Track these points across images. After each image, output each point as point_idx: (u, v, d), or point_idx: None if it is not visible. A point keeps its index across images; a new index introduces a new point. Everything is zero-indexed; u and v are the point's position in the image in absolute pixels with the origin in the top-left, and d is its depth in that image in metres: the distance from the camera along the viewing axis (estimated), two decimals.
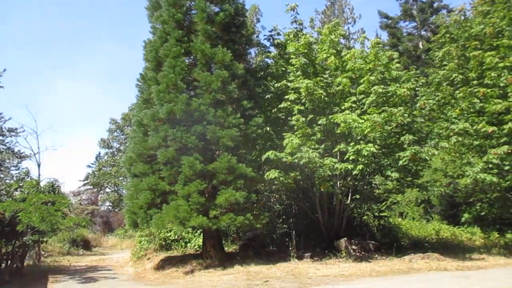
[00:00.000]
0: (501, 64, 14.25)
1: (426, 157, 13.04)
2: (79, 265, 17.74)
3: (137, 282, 12.00)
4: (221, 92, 13.25)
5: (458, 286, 8.58)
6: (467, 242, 18.20)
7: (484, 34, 15.59)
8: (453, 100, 15.23)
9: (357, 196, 16.52)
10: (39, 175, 20.22)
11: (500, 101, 13.83)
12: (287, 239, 15.88)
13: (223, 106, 13.21)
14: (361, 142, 13.48)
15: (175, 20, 13.53)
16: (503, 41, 14.93)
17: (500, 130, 13.73)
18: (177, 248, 17.41)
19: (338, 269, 11.49)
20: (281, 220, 18.42)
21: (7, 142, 23.86)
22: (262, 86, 14.97)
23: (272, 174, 12.84)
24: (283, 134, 13.61)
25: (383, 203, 18.94)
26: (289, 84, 14.70)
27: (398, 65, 15.41)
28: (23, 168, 18.75)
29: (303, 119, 13.57)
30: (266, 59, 17.52)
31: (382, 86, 13.83)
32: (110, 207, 41.29)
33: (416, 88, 15.54)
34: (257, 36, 17.02)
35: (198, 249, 16.82)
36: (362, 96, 14.47)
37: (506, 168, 13.68)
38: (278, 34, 16.97)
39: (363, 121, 13.22)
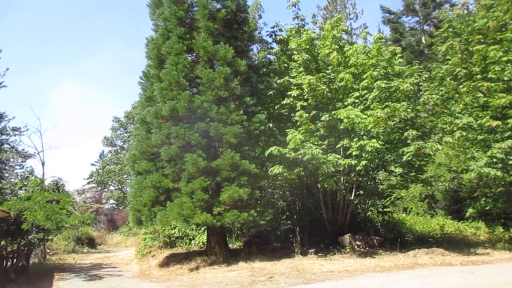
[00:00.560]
0: (504, 58, 14.14)
1: (430, 152, 12.99)
2: (84, 262, 17.81)
3: (142, 279, 12.02)
4: (224, 89, 13.24)
5: (463, 281, 8.55)
6: (471, 237, 18.15)
7: (488, 28, 15.48)
8: (456, 95, 15.14)
9: (361, 192, 16.51)
10: (43, 173, 20.36)
11: (504, 95, 13.74)
12: (291, 236, 15.89)
13: (226, 103, 13.21)
14: (364, 137, 13.46)
15: (177, 17, 13.52)
16: (506, 35, 14.82)
17: (504, 124, 13.65)
18: (181, 245, 17.46)
19: (343, 264, 11.48)
20: (284, 217, 18.46)
21: (11, 141, 23.96)
22: (265, 82, 14.95)
23: (276, 169, 12.84)
24: (286, 130, 13.58)
25: (387, 199, 18.91)
26: (291, 80, 14.69)
27: (401, 60, 15.33)
28: (27, 167, 18.88)
29: (306, 115, 13.54)
30: (268, 56, 17.50)
31: (385, 81, 13.77)
32: (114, 205, 41.43)
33: (420, 83, 15.47)
34: (259, 33, 17.02)
35: (202, 246, 16.87)
36: (365, 91, 14.41)
37: (511, 162, 13.60)
38: (280, 30, 17.01)
39: (366, 116, 13.18)
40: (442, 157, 18.81)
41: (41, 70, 73.28)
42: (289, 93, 14.21)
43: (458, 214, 20.90)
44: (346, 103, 14.22)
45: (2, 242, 13.85)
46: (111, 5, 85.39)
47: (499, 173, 12.95)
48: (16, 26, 72.26)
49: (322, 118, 13.83)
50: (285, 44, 16.48)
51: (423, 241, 16.30)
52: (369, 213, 18.27)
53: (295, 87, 14.30)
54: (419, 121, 14.67)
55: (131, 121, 37.42)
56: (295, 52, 15.22)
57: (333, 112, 13.82)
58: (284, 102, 14.35)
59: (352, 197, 15.42)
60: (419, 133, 13.49)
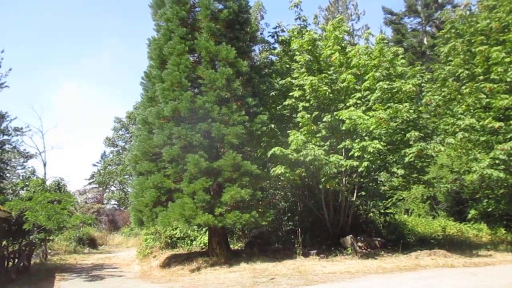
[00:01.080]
0: (507, 59, 14.13)
1: (432, 154, 12.96)
2: (86, 263, 17.80)
3: (144, 280, 12.01)
4: (226, 90, 13.22)
5: (466, 283, 8.51)
6: (473, 239, 18.10)
7: (490, 29, 15.47)
8: (459, 96, 15.12)
9: (363, 193, 16.47)
10: (45, 173, 20.34)
11: (507, 96, 13.73)
12: (292, 237, 15.89)
13: (228, 104, 13.19)
14: (366, 138, 13.42)
15: (179, 17, 13.52)
16: (509, 35, 14.82)
17: (507, 125, 13.64)
18: (182, 246, 17.45)
19: (344, 266, 11.45)
20: (286, 218, 18.42)
21: (13, 142, 23.99)
22: (267, 83, 14.94)
23: (279, 169, 12.81)
24: (288, 131, 13.55)
25: (389, 200, 18.88)
26: (293, 81, 14.67)
27: (403, 61, 15.30)
28: (29, 167, 18.85)
29: (308, 115, 13.52)
30: (270, 56, 17.49)
31: (388, 82, 13.74)
32: (115, 206, 41.48)
33: (422, 84, 15.43)
34: (261, 33, 16.99)
35: (203, 246, 16.85)
36: (367, 92, 14.39)
37: None
38: (282, 31, 17.01)
39: (368, 117, 13.15)
40: (444, 159, 18.77)
41: (42, 70, 73.45)
42: (291, 93, 14.18)
43: (460, 215, 20.84)
44: (348, 104, 14.18)
45: (4, 242, 13.86)
46: (112, 4, 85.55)
47: (501, 175, 12.91)
48: (17, 26, 72.43)
49: (324, 119, 13.81)
50: (287, 44, 16.46)
51: (425, 242, 16.26)
52: (371, 214, 18.24)
53: (297, 88, 14.28)
54: (421, 122, 14.63)
55: (132, 121, 37.46)
56: (297, 53, 15.20)
57: (335, 113, 13.79)
58: (286, 103, 14.33)
59: (354, 198, 15.38)
60: (422, 134, 13.45)
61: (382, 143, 12.95)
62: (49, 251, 19.85)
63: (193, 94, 13.03)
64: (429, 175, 16.25)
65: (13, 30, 70.02)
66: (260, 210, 13.16)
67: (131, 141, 36.95)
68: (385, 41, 15.45)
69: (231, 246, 16.14)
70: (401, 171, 13.31)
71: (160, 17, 14.16)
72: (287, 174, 13.05)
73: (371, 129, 13.11)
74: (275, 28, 17.02)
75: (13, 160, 26.84)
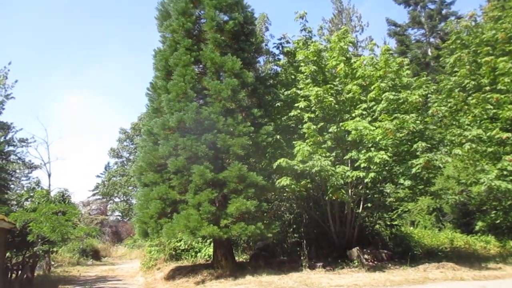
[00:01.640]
0: None
1: (440, 165, 12.83)
2: (89, 275, 17.67)
3: None
4: (231, 101, 13.19)
5: None
6: (481, 251, 17.83)
7: (496, 40, 15.46)
8: (465, 107, 15.05)
9: (369, 205, 16.30)
10: (49, 185, 20.34)
11: None
12: (298, 249, 15.68)
13: (233, 115, 13.16)
14: (372, 149, 13.32)
15: (184, 29, 13.57)
16: None
17: None
18: (187, 258, 17.30)
19: (352, 279, 11.28)
20: (291, 229, 18.26)
21: (18, 153, 24.01)
22: (272, 94, 14.92)
23: (284, 181, 12.73)
24: (293, 142, 13.48)
25: (394, 212, 18.69)
26: (299, 91, 14.64)
27: (408, 71, 15.27)
28: (33, 178, 18.81)
29: (314, 126, 13.46)
30: (275, 67, 17.50)
31: (393, 93, 13.68)
32: (119, 217, 41.35)
33: (428, 95, 15.36)
34: (266, 45, 17.07)
35: (208, 258, 16.69)
36: (373, 103, 14.34)
37: None
38: (287, 42, 17.01)
39: (374, 128, 13.07)
40: (450, 170, 18.62)
41: (47, 81, 73.89)
42: (296, 104, 14.14)
43: (466, 227, 20.61)
44: (353, 115, 14.13)
45: (7, 254, 13.76)
46: (117, 16, 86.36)
47: (510, 186, 12.76)
48: (22, 37, 73.11)
49: (330, 130, 13.74)
50: (292, 56, 16.47)
51: (432, 255, 16.03)
52: (377, 226, 18.04)
53: (302, 99, 14.24)
54: (427, 133, 14.54)
55: (137, 132, 37.52)
56: (302, 64, 15.20)
57: (341, 124, 13.72)
58: (291, 113, 14.27)
59: (360, 210, 15.23)
60: (429, 145, 13.35)
61: (388, 154, 12.85)
62: (53, 262, 19.72)
63: (199, 105, 13.02)
64: (436, 187, 16.11)
65: (18, 41, 70.72)
66: (265, 221, 13.04)
67: (135, 152, 36.96)
68: (390, 51, 15.42)
69: (236, 258, 15.97)
70: (407, 182, 13.17)
71: (166, 28, 14.23)
72: (292, 186, 12.96)
73: (377, 139, 13.02)
74: (280, 39, 17.07)
75: (17, 171, 26.88)
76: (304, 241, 15.00)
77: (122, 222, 39.40)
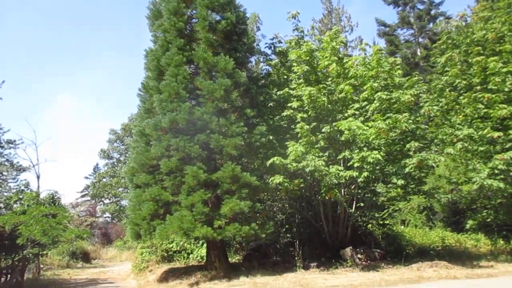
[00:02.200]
0: (504, 69, 14.19)
1: (433, 164, 12.90)
2: (80, 278, 17.43)
3: None
4: (224, 101, 13.09)
5: None
6: (472, 249, 18.03)
7: (486, 40, 15.58)
8: (457, 106, 15.14)
9: (361, 204, 16.35)
10: (38, 187, 20.00)
11: (505, 106, 13.75)
12: (291, 249, 15.67)
13: (226, 115, 13.07)
14: (365, 149, 13.35)
15: (176, 28, 13.43)
16: (505, 46, 14.92)
17: (505, 135, 13.64)
18: (179, 259, 17.14)
19: (346, 278, 11.27)
20: (284, 230, 18.22)
21: (5, 154, 23.60)
22: (264, 94, 14.86)
23: (277, 179, 12.69)
24: (286, 143, 13.44)
25: (385, 211, 18.75)
26: (291, 91, 14.62)
27: (400, 71, 15.33)
28: (21, 180, 18.47)
29: (307, 126, 13.44)
30: (267, 67, 17.45)
31: (386, 93, 13.74)
32: (108, 219, 40.93)
33: (420, 94, 15.43)
34: (257, 45, 16.92)
35: (200, 260, 16.57)
36: (365, 103, 14.37)
37: None
38: (280, 42, 16.98)
39: (367, 128, 13.10)
40: (441, 169, 18.75)
41: (35, 84, 72.94)
42: (289, 104, 14.11)
43: (457, 226, 20.79)
44: (346, 115, 14.17)
45: None
46: (104, 18, 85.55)
47: (501, 185, 12.87)
48: (12, 40, 72.08)
49: (323, 130, 13.74)
50: (284, 55, 16.43)
51: (424, 253, 16.15)
52: (370, 225, 18.11)
53: (295, 99, 14.22)
54: (418, 132, 14.60)
55: (127, 133, 37.15)
56: (294, 64, 15.17)
57: (334, 124, 13.73)
58: (284, 113, 14.23)
59: (353, 210, 15.26)
60: (421, 145, 13.42)
61: (381, 153, 12.88)
62: (42, 266, 19.41)
63: (191, 105, 12.88)
64: (428, 186, 16.20)
65: (7, 45, 69.67)
66: (259, 222, 12.97)
67: (126, 153, 36.63)
68: (382, 51, 15.47)
69: (229, 259, 15.86)
70: (400, 182, 13.22)
71: (158, 28, 14.08)
72: (285, 184, 12.93)
73: (370, 139, 13.05)
74: (272, 39, 17.02)
75: (4, 173, 26.41)
76: (297, 241, 14.98)
77: (112, 223, 39.00)
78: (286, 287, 10.48)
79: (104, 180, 39.89)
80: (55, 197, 17.43)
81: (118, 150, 39.96)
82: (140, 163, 13.20)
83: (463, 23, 17.00)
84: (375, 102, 13.86)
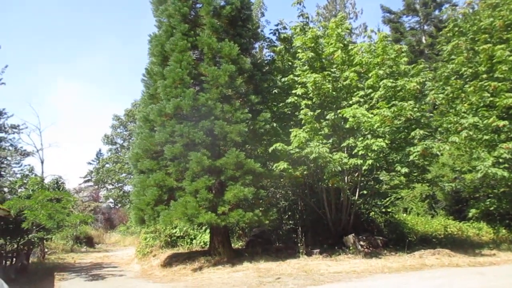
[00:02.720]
0: (511, 58, 14.04)
1: (437, 152, 12.87)
2: (84, 262, 17.60)
3: (145, 280, 11.84)
4: (228, 87, 13.06)
5: (476, 283, 8.42)
6: (474, 238, 18.08)
7: (494, 28, 15.39)
8: (462, 94, 15.02)
9: (364, 192, 16.37)
10: (42, 171, 20.07)
11: (511, 94, 13.64)
12: (294, 235, 15.74)
13: (230, 101, 13.04)
14: (369, 137, 13.31)
15: (181, 13, 13.33)
16: None
17: (511, 124, 13.55)
18: (182, 244, 17.26)
19: (349, 265, 11.34)
20: (287, 216, 18.31)
21: (9, 139, 23.66)
22: (269, 80, 14.79)
23: (281, 165, 12.72)
24: (290, 130, 13.41)
25: (387, 199, 18.78)
26: (296, 78, 14.53)
27: (405, 59, 15.20)
28: (26, 165, 18.50)
29: (311, 113, 13.39)
30: (271, 54, 17.33)
31: (391, 80, 13.64)
32: (111, 204, 41.17)
33: (425, 82, 15.32)
34: (262, 31, 16.84)
35: (204, 245, 16.69)
36: (370, 90, 14.29)
37: None
38: (284, 28, 16.83)
39: (372, 115, 13.05)
40: (445, 157, 18.71)
41: (38, 69, 72.80)
42: (293, 91, 14.05)
43: (459, 214, 20.83)
44: (351, 102, 14.08)
45: (1, 241, 13.63)
46: (106, 3, 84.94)
47: (506, 174, 12.83)
48: (14, 25, 71.73)
49: (328, 117, 13.69)
50: (289, 42, 16.30)
51: (426, 241, 16.20)
52: (372, 213, 18.16)
53: (300, 86, 14.15)
54: (423, 120, 14.53)
55: (131, 119, 37.08)
56: (299, 50, 15.05)
57: (338, 111, 13.68)
58: (288, 100, 14.18)
59: (356, 197, 15.28)
60: (426, 133, 13.37)
61: (386, 141, 12.85)
62: (47, 250, 19.59)
63: (196, 91, 12.86)
64: (432, 174, 16.19)
65: (10, 29, 69.33)
66: (262, 208, 13.01)
67: (129, 139, 36.66)
68: (388, 38, 15.32)
69: (232, 245, 15.96)
70: (404, 170, 13.19)
71: (162, 13, 13.96)
72: (289, 170, 12.93)
73: (375, 127, 13.00)
74: (276, 25, 16.87)
75: (9, 158, 26.52)
76: (300, 228, 15.05)
77: (115, 209, 39.25)
78: (289, 273, 10.56)
79: (107, 165, 39.99)
80: (60, 182, 17.50)
81: (121, 136, 39.96)
82: (144, 149, 13.22)
83: (470, 10, 16.80)
84: (380, 89, 13.77)
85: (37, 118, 49.09)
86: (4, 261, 13.41)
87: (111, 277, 12.61)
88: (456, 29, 16.42)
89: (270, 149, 13.08)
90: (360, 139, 13.32)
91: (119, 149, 40.47)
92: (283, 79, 15.03)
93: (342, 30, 15.12)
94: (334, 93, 14.33)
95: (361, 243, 14.33)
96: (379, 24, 59.50)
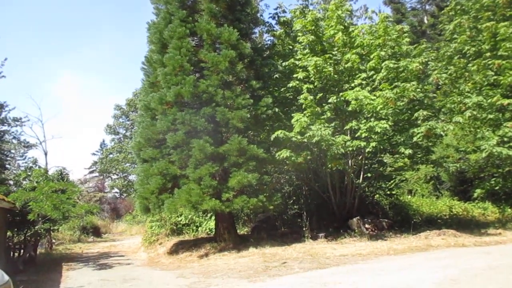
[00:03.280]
0: None
1: (441, 133, 12.77)
2: (91, 252, 17.74)
3: (152, 267, 11.91)
4: (229, 73, 12.95)
5: (482, 262, 8.37)
6: (479, 218, 18.07)
7: (496, 5, 15.16)
8: (466, 74, 14.86)
9: (369, 175, 16.33)
10: (46, 163, 20.07)
11: None
12: (299, 220, 15.78)
13: (231, 87, 12.95)
14: (372, 119, 13.21)
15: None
16: None
17: None
18: (188, 232, 17.34)
19: (355, 248, 11.35)
20: (291, 201, 18.31)
21: (12, 132, 23.69)
22: (269, 65, 14.65)
23: (284, 153, 12.65)
24: (292, 114, 13.32)
25: (391, 181, 18.76)
26: (297, 62, 14.41)
27: (407, 39, 15.00)
28: (30, 158, 18.53)
29: (311, 97, 13.27)
30: (271, 38, 17.15)
31: (393, 61, 13.48)
32: (117, 194, 41.40)
33: (428, 63, 15.15)
34: (261, 15, 16.57)
35: (209, 232, 16.76)
36: (372, 72, 14.14)
37: None
38: (284, 11, 16.65)
39: (375, 97, 12.93)
40: (449, 138, 18.61)
41: (39, 61, 72.54)
42: (295, 75, 13.93)
43: (464, 195, 20.81)
44: (353, 85, 13.95)
45: (8, 233, 13.72)
46: None
47: (510, 152, 12.75)
48: (15, 17, 71.30)
49: (330, 100, 13.58)
50: (288, 26, 16.12)
51: (432, 222, 16.21)
52: (377, 196, 18.13)
53: (301, 70, 14.02)
54: (426, 101, 14.40)
55: (132, 108, 37.06)
56: (299, 34, 14.89)
57: (340, 94, 13.56)
58: (289, 85, 14.05)
59: (360, 180, 15.24)
60: (430, 114, 13.25)
61: (389, 123, 12.75)
62: (54, 240, 19.76)
63: (196, 78, 12.76)
64: (436, 155, 16.11)
65: (12, 21, 68.96)
66: (266, 194, 13.00)
67: (132, 128, 36.67)
68: (389, 19, 15.11)
69: (237, 231, 16.02)
70: (408, 151, 13.10)
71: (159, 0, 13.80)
72: (292, 158, 12.88)
73: (378, 109, 12.89)
74: (276, 9, 16.66)
75: (12, 151, 26.62)
76: (305, 213, 15.07)
77: (121, 198, 39.48)
78: (295, 257, 10.59)
79: (111, 155, 40.10)
80: (64, 173, 17.54)
81: (124, 126, 39.99)
82: (147, 138, 13.18)
83: None
84: (382, 71, 13.62)
85: (38, 110, 48.99)
86: (12, 253, 13.52)
87: (118, 265, 12.69)
88: (458, 7, 16.19)
89: (272, 137, 13.00)
90: (363, 121, 13.23)
91: (122, 139, 40.53)
92: (284, 64, 14.89)
93: (343, 12, 14.91)
94: (335, 76, 14.21)
95: (366, 226, 14.34)
96: (380, 5, 58.61)
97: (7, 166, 25.34)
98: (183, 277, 9.42)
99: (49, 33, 74.71)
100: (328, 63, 13.78)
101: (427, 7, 37.47)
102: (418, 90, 13.22)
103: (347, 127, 13.63)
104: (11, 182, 19.12)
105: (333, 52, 14.82)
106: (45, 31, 74.58)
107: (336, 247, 11.61)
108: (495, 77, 13.97)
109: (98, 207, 20.35)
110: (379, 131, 12.40)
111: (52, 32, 75.44)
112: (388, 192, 18.23)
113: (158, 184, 12.48)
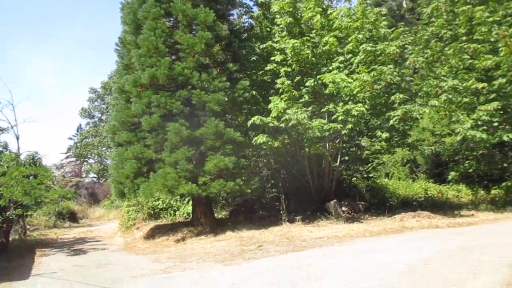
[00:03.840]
0: (490, 19, 13.98)
1: (417, 116, 12.88)
2: (67, 237, 17.44)
3: (128, 252, 11.76)
4: (205, 55, 12.67)
5: (454, 243, 8.56)
6: (453, 200, 18.48)
7: None
8: (442, 57, 14.97)
9: (346, 158, 16.43)
10: (18, 148, 19.42)
11: (491, 56, 13.63)
12: (277, 203, 15.80)
13: (208, 70, 12.68)
14: (349, 102, 13.21)
15: None
16: None
17: (490, 86, 13.60)
18: (166, 216, 17.19)
19: (331, 230, 11.43)
20: (269, 185, 18.33)
21: None
22: (247, 47, 14.42)
23: (260, 139, 12.55)
24: (270, 98, 13.20)
25: (369, 165, 18.96)
26: (274, 45, 14.24)
27: (385, 22, 14.97)
28: (0, 142, 17.89)
29: (289, 81, 13.18)
30: (249, 20, 16.90)
31: (371, 45, 13.45)
32: (94, 179, 40.75)
33: (405, 46, 15.18)
34: None
35: (187, 216, 16.65)
36: (350, 55, 14.10)
37: (495, 124, 13.64)
38: None
39: (352, 80, 12.91)
40: (425, 122, 18.84)
41: (10, 46, 70.18)
42: (272, 58, 13.77)
43: (439, 177, 21.21)
44: (330, 68, 13.90)
45: None
46: None
47: (484, 136, 12.97)
48: None
49: (307, 83, 13.49)
50: (266, 8, 15.88)
51: (407, 204, 16.48)
52: (354, 179, 18.31)
53: (278, 52, 13.87)
54: (403, 85, 14.47)
55: (108, 91, 36.27)
56: (277, 16, 14.71)
57: (318, 77, 13.47)
58: (267, 68, 13.91)
59: (337, 164, 15.32)
60: (406, 97, 13.33)
61: (366, 106, 12.78)
62: (28, 226, 19.34)
63: (171, 60, 12.42)
64: (412, 138, 16.30)
65: None
66: (244, 178, 12.92)
67: (107, 112, 35.97)
68: (368, 1, 15.04)
69: (215, 215, 15.96)
70: (385, 135, 13.21)
71: None
72: (269, 143, 12.80)
73: (355, 92, 12.89)
74: None
75: None
76: (283, 196, 15.09)
77: (98, 183, 38.88)
78: (271, 240, 10.60)
79: (87, 140, 39.34)
80: (36, 158, 17.05)
81: (99, 109, 39.16)
82: (121, 121, 12.89)
83: None
84: (359, 54, 13.59)
85: (9, 93, 47.59)
86: None
87: (93, 251, 12.50)
88: None
89: (249, 123, 12.86)
90: (340, 104, 13.22)
91: (97, 122, 39.73)
92: (261, 46, 14.69)
93: None
94: (313, 59, 14.11)
95: (343, 208, 14.46)
96: None
97: None
98: (159, 261, 9.33)
99: (18, 19, 72.31)
100: (306, 46, 13.66)
101: None
102: (395, 73, 13.25)
103: (324, 109, 13.60)
104: None
105: (311, 35, 14.70)
106: (11, 17, 72.13)
107: (313, 230, 11.66)
108: (470, 61, 14.11)
109: (73, 192, 19.93)
110: (355, 114, 12.40)
111: (21, 18, 73.02)
112: (365, 175, 18.44)
113: (133, 168, 12.25)
